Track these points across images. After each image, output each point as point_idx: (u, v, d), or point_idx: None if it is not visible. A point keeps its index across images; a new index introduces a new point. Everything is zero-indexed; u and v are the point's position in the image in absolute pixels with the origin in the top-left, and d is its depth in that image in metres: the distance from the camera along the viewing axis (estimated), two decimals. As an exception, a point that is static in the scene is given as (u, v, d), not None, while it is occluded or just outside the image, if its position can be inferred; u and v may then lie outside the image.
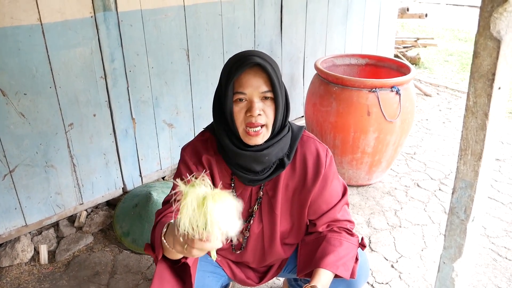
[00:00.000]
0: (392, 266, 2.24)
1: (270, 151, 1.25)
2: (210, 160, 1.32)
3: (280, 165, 1.31)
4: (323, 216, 1.40)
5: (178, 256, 1.09)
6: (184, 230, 0.85)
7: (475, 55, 0.87)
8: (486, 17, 0.84)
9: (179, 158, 1.42)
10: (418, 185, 3.01)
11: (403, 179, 3.09)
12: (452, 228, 1.03)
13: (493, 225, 2.56)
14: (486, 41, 0.85)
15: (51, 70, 2.14)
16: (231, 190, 1.35)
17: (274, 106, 1.22)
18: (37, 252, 2.31)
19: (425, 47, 6.22)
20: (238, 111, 1.21)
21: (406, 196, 2.87)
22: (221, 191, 0.87)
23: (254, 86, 1.18)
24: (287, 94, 1.29)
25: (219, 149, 1.31)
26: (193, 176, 0.88)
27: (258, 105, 1.20)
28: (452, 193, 1.02)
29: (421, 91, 4.85)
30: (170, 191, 1.34)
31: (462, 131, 0.95)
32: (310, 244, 1.41)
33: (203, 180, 0.87)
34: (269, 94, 1.20)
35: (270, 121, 1.23)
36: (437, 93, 4.95)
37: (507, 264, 2.24)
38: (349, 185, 2.96)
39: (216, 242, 0.88)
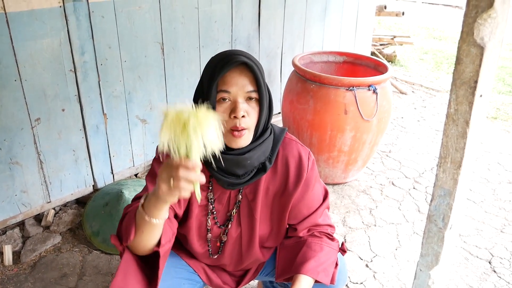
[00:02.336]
0: (367, 266, 2.24)
1: (252, 154, 1.20)
2: None
3: (262, 168, 1.27)
4: (304, 221, 1.36)
5: (149, 233, 1.07)
6: (173, 152, 0.88)
7: (458, 61, 0.84)
8: (469, 23, 0.81)
9: (153, 157, 1.36)
10: (393, 184, 3.02)
11: (379, 177, 3.10)
12: (430, 235, 1.02)
13: (464, 224, 2.59)
14: (469, 48, 0.82)
15: (16, 62, 2.03)
16: (209, 192, 1.30)
17: (259, 108, 1.18)
18: (0, 252, 2.20)
19: (401, 45, 6.28)
20: (222, 111, 1.16)
21: (381, 195, 2.88)
22: (203, 111, 0.89)
23: (239, 85, 1.14)
24: (270, 95, 1.24)
25: None
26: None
27: (243, 106, 1.15)
28: (431, 201, 1.00)
29: (397, 89, 4.89)
30: (142, 190, 1.29)
31: (442, 138, 0.93)
32: (290, 248, 1.38)
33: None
34: (254, 95, 1.16)
35: (253, 123, 1.18)
36: (412, 91, 5.00)
37: (479, 262, 2.27)
38: (325, 183, 2.94)
39: (199, 173, 0.91)
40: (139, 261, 1.18)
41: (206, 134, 0.88)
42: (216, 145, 0.91)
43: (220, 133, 0.92)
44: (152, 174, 1.27)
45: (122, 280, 1.12)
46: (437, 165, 0.95)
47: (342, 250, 1.41)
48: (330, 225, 1.41)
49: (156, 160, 1.29)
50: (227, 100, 1.15)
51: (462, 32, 0.83)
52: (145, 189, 1.26)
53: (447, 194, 0.93)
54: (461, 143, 0.87)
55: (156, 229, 1.07)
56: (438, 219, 0.97)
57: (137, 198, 1.27)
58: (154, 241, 1.10)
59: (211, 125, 0.89)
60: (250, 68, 1.14)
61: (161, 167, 0.95)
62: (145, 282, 1.17)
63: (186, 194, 0.93)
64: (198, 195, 0.95)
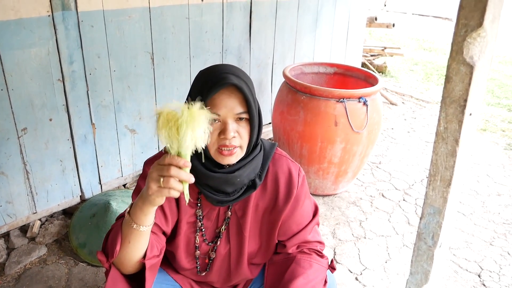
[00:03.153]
0: (356, 279, 2.22)
1: (241, 172, 1.18)
2: None
3: (252, 185, 1.25)
4: (293, 238, 1.35)
5: (137, 243, 1.06)
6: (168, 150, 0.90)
7: (447, 79, 0.84)
8: (459, 42, 0.81)
9: (141, 167, 1.33)
10: (383, 195, 3.02)
11: (369, 189, 3.10)
12: (419, 254, 1.01)
13: (454, 236, 2.59)
14: (458, 66, 0.82)
15: (3, 71, 1.99)
16: (197, 209, 1.28)
17: (249, 127, 1.16)
18: (-16, 265, 2.15)
19: (392, 56, 6.34)
20: (210, 132, 1.14)
21: (371, 207, 2.87)
22: (195, 108, 0.89)
23: (228, 107, 1.11)
24: (260, 112, 1.22)
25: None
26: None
27: (232, 126, 1.12)
28: (420, 219, 0.99)
29: (387, 99, 4.92)
30: (127, 208, 1.26)
31: (432, 156, 0.92)
32: (279, 264, 1.36)
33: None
34: (244, 115, 1.13)
35: (244, 142, 1.16)
36: (403, 102, 5.04)
37: (468, 276, 2.27)
38: (315, 195, 2.94)
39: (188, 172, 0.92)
40: (126, 279, 1.15)
41: (197, 131, 0.89)
42: (203, 141, 0.92)
43: (208, 131, 0.92)
44: (138, 192, 1.25)
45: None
46: (427, 183, 0.95)
47: (332, 267, 1.39)
48: (319, 242, 1.39)
49: (142, 177, 1.27)
50: (216, 121, 1.13)
51: (451, 50, 0.83)
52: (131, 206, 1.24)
53: (436, 212, 0.92)
54: (450, 161, 0.87)
55: (142, 238, 1.06)
56: (427, 237, 0.96)
57: (121, 216, 1.24)
58: (141, 253, 1.09)
59: (202, 122, 0.90)
60: (240, 89, 1.11)
61: (152, 166, 0.95)
62: None
63: (175, 194, 0.93)
64: (187, 196, 0.95)
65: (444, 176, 0.89)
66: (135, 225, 1.02)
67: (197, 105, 0.90)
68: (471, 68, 0.80)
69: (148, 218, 1.03)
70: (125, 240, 1.05)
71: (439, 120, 0.87)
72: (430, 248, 0.97)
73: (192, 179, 0.93)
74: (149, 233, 1.07)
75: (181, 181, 0.93)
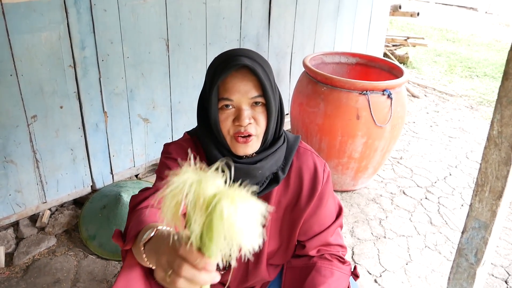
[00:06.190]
0: (376, 281, 2.12)
1: (263, 164, 1.10)
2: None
3: (274, 179, 1.16)
4: (314, 238, 1.25)
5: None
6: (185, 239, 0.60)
7: (506, 76, 0.71)
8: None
9: (154, 157, 1.23)
10: (404, 193, 2.89)
11: (389, 185, 2.97)
12: (459, 271, 0.90)
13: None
14: (520, 61, 0.70)
15: (12, 56, 1.92)
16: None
17: (267, 113, 1.06)
18: (-8, 254, 2.11)
19: (414, 46, 6.12)
20: (224, 119, 1.05)
21: (391, 204, 2.75)
22: (240, 191, 0.60)
23: (242, 92, 1.02)
24: (281, 99, 1.12)
25: (208, 158, 1.14)
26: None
27: (248, 112, 1.03)
28: (462, 232, 0.88)
29: (409, 92, 4.75)
30: (154, 184, 1.17)
31: (480, 164, 0.80)
32: (297, 270, 1.27)
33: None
34: (260, 99, 1.04)
35: (261, 130, 1.07)
36: (425, 95, 4.86)
37: (494, 281, 2.15)
38: (333, 190, 2.82)
39: (214, 273, 0.63)
40: (143, 267, 1.03)
41: (240, 231, 0.57)
42: (253, 244, 0.60)
43: (260, 230, 0.61)
44: (162, 170, 1.15)
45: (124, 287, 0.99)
46: (472, 193, 0.83)
47: (355, 275, 1.29)
48: (341, 246, 1.29)
49: (166, 156, 1.17)
50: (230, 107, 1.04)
51: None
52: (155, 186, 1.15)
53: (482, 226, 0.81)
54: (503, 170, 0.75)
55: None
56: (470, 253, 0.85)
57: (143, 200, 1.12)
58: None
59: (249, 217, 0.59)
60: (253, 71, 1.02)
61: (167, 244, 0.68)
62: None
63: None
64: None
65: (494, 187, 0.77)
66: (149, 264, 0.81)
67: (245, 189, 0.61)
68: (534, 63, 0.68)
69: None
70: (136, 256, 0.87)
71: (492, 123, 0.75)
72: (472, 265, 0.86)
73: (216, 279, 0.65)
74: None
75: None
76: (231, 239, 0.57)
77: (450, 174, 3.16)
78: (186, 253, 0.62)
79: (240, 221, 0.57)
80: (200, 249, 0.61)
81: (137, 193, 1.14)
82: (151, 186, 1.18)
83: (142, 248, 0.81)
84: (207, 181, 0.58)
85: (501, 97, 0.73)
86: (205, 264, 0.62)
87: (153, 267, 0.78)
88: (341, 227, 1.33)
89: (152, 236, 0.80)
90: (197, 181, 0.58)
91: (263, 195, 1.18)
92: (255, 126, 1.06)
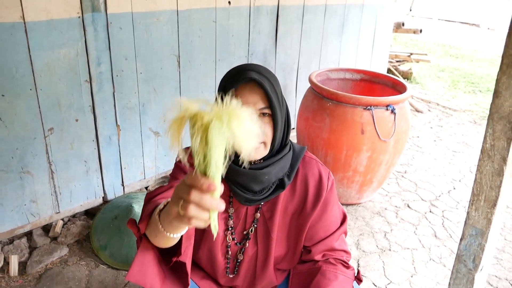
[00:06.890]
0: (381, 293, 2.16)
1: (269, 170, 1.17)
2: None
3: (280, 185, 1.23)
4: (319, 243, 1.31)
5: (164, 241, 0.94)
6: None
7: (496, 94, 0.79)
8: (510, 54, 0.76)
9: (164, 170, 1.31)
10: (408, 206, 2.94)
11: (394, 199, 3.02)
12: (458, 276, 0.95)
13: (483, 252, 2.50)
14: (509, 80, 0.77)
15: (33, 71, 2.01)
16: (230, 207, 1.26)
17: (273, 123, 1.14)
18: (7, 262, 2.17)
19: (418, 62, 6.21)
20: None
21: (396, 218, 2.80)
22: (233, 107, 0.67)
23: (250, 103, 1.10)
24: (288, 111, 1.21)
25: None
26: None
27: None
28: (460, 240, 0.94)
29: (412, 107, 4.82)
30: (168, 183, 1.24)
31: (476, 175, 0.87)
32: (303, 275, 1.33)
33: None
34: (267, 111, 1.13)
35: (268, 139, 1.15)
36: (429, 110, 4.92)
37: (498, 294, 2.18)
38: (338, 203, 2.88)
39: (219, 199, 0.70)
40: (156, 252, 1.08)
41: (237, 140, 0.66)
42: (250, 150, 0.69)
43: (256, 135, 0.69)
44: (176, 173, 1.25)
45: (139, 272, 1.03)
46: (469, 202, 0.89)
47: (358, 279, 1.35)
48: (346, 251, 1.35)
49: (177, 164, 1.27)
50: None
51: (502, 63, 0.78)
52: (169, 184, 1.21)
53: (479, 234, 0.87)
54: (496, 181, 0.81)
55: (171, 241, 0.95)
56: (468, 259, 0.91)
57: (158, 194, 1.15)
58: (171, 244, 0.99)
59: (243, 126, 0.66)
60: (260, 84, 1.10)
61: (178, 184, 0.77)
62: (162, 276, 1.09)
63: (198, 224, 0.72)
64: (214, 228, 0.72)
65: (489, 196, 0.84)
66: (163, 230, 0.88)
67: (234, 101, 0.69)
68: (524, 83, 0.75)
69: (178, 230, 0.90)
70: (151, 234, 0.96)
71: (485, 137, 0.82)
72: (470, 271, 0.91)
73: (221, 207, 0.71)
74: (179, 238, 0.94)
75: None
76: (228, 148, 0.65)
77: (454, 188, 3.21)
78: (192, 180, 0.70)
79: (235, 131, 0.65)
80: (204, 173, 0.68)
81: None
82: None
83: (157, 216, 0.89)
84: (206, 107, 0.67)
85: (493, 113, 0.80)
86: (209, 184, 0.68)
87: (168, 233, 0.87)
88: (346, 233, 1.39)
89: (166, 204, 0.89)
90: (197, 108, 0.67)
91: (270, 200, 1.25)
92: (262, 135, 1.13)
